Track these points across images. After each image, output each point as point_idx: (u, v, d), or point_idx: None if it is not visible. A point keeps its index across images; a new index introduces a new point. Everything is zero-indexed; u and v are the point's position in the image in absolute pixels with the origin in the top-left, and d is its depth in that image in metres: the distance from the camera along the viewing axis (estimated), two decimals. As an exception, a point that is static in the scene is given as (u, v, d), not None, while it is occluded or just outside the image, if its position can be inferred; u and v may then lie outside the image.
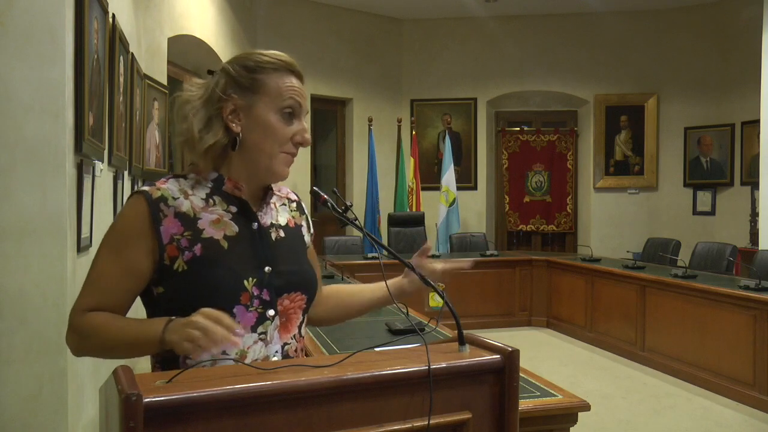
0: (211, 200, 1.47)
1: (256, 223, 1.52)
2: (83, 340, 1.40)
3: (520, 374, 2.34)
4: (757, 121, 6.70)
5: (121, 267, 1.40)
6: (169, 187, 1.44)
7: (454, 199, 8.27)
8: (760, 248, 6.22)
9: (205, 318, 1.27)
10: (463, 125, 9.12)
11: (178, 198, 1.43)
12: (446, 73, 9.08)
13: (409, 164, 8.43)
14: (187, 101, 1.47)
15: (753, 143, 7.70)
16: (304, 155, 8.32)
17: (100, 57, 3.38)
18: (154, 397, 1.03)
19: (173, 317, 1.34)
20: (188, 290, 1.40)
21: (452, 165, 8.37)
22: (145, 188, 1.44)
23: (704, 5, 8.51)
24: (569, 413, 2.17)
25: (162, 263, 1.40)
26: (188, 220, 1.42)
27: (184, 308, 1.35)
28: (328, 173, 9.11)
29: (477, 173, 9.14)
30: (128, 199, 1.44)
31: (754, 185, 7.35)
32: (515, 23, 8.97)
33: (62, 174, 2.77)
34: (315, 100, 8.44)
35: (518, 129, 9.27)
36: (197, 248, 1.41)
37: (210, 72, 1.52)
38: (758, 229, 6.60)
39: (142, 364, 4.95)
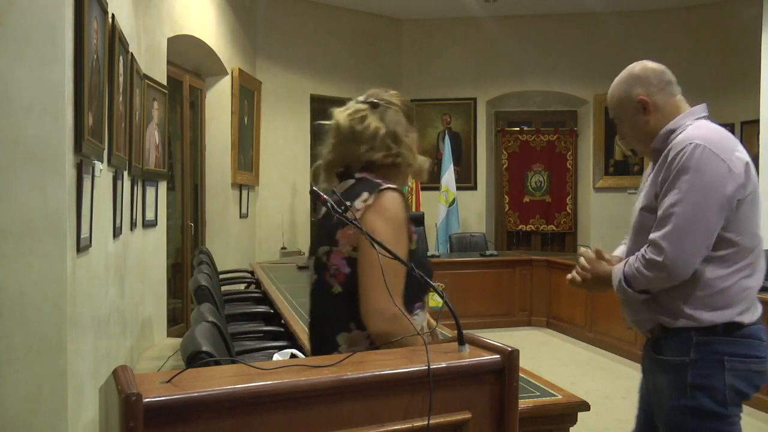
0: None
1: None
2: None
3: (520, 374, 2.34)
4: (757, 121, 6.70)
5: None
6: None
7: (454, 199, 8.27)
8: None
9: None
10: (463, 125, 9.12)
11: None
12: (446, 73, 9.07)
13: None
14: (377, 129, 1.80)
15: (753, 143, 7.69)
16: (303, 155, 8.32)
17: (100, 57, 3.39)
18: (154, 397, 1.03)
19: None
20: (417, 263, 1.67)
21: (452, 165, 8.37)
22: (390, 185, 1.72)
23: (704, 5, 8.51)
24: (569, 413, 2.17)
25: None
26: None
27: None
28: (327, 173, 9.09)
29: (477, 173, 9.14)
30: (382, 195, 1.69)
31: (754, 185, 7.35)
32: (515, 23, 8.97)
33: (62, 174, 2.77)
34: (314, 100, 8.43)
35: (518, 129, 9.27)
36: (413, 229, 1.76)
37: (374, 105, 1.82)
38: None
39: (143, 364, 4.95)
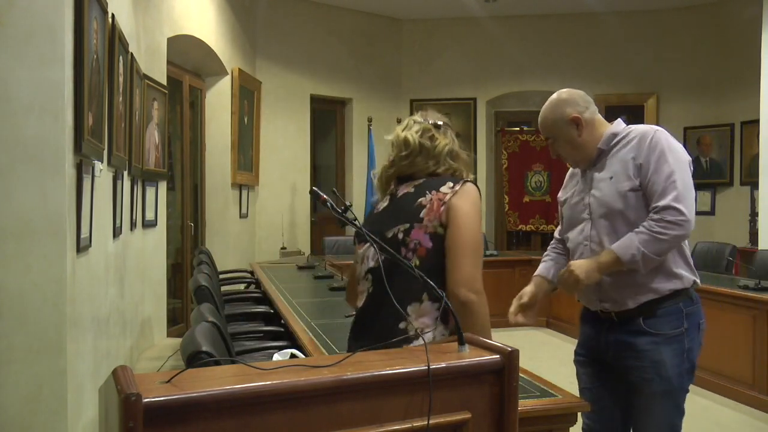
0: None
1: None
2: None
3: (520, 374, 2.33)
4: (757, 121, 6.69)
5: None
6: None
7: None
8: (759, 248, 6.21)
9: None
10: (463, 125, 9.11)
11: None
12: (446, 72, 9.07)
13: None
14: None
15: (752, 143, 7.70)
16: (303, 155, 8.32)
17: (100, 57, 3.39)
18: (154, 398, 1.03)
19: None
20: None
21: (452, 165, 8.36)
22: (470, 180, 1.99)
23: (704, 5, 8.51)
24: (569, 413, 2.17)
25: None
26: None
27: None
28: (327, 173, 9.11)
29: (476, 173, 9.13)
30: (466, 185, 1.94)
31: (754, 185, 7.34)
32: (515, 23, 8.97)
33: (62, 174, 2.77)
34: (314, 100, 8.44)
35: (518, 129, 9.26)
36: None
37: (437, 126, 2.08)
38: (758, 229, 6.59)
39: (143, 364, 4.95)
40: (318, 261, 6.30)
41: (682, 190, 2.19)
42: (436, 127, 2.07)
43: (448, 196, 1.90)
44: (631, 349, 2.31)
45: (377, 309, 1.90)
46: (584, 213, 2.42)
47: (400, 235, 1.90)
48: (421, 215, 1.90)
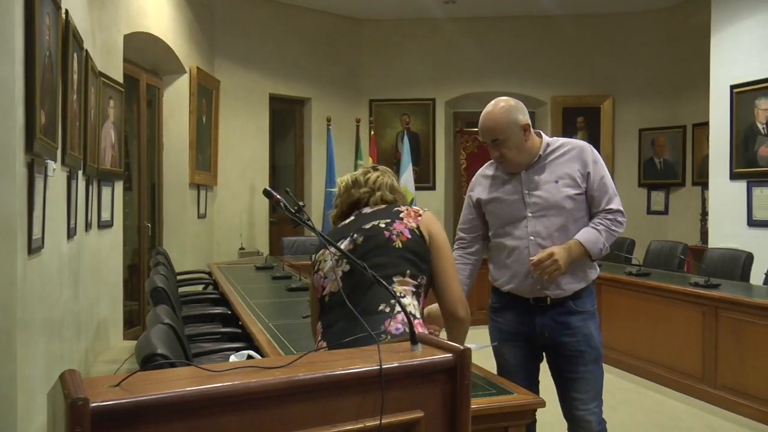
0: None
1: None
2: None
3: (480, 373, 2.36)
4: (707, 124, 6.87)
5: None
6: None
7: (413, 199, 8.29)
8: (709, 246, 6.38)
9: None
10: (422, 125, 9.16)
11: None
12: (405, 73, 9.10)
13: (368, 164, 8.42)
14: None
15: (703, 144, 7.89)
16: (262, 155, 8.27)
17: (53, 54, 3.32)
18: (102, 402, 1.02)
19: None
20: None
21: (410, 165, 8.38)
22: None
23: (658, 11, 8.69)
24: (525, 410, 2.19)
25: None
26: None
27: None
28: (286, 173, 9.06)
29: (435, 173, 9.19)
30: (431, 214, 2.21)
31: (704, 185, 7.54)
32: (474, 25, 9.04)
33: (12, 174, 2.71)
34: (273, 99, 8.39)
35: (476, 129, 9.28)
36: None
37: (375, 168, 2.36)
38: (708, 228, 6.77)
39: (98, 368, 4.86)
40: (276, 261, 6.27)
41: (619, 198, 2.67)
42: (374, 169, 2.34)
43: (420, 215, 2.15)
44: (566, 327, 2.63)
45: (362, 278, 1.99)
46: (525, 211, 2.63)
47: (382, 225, 2.10)
48: (401, 216, 2.13)
